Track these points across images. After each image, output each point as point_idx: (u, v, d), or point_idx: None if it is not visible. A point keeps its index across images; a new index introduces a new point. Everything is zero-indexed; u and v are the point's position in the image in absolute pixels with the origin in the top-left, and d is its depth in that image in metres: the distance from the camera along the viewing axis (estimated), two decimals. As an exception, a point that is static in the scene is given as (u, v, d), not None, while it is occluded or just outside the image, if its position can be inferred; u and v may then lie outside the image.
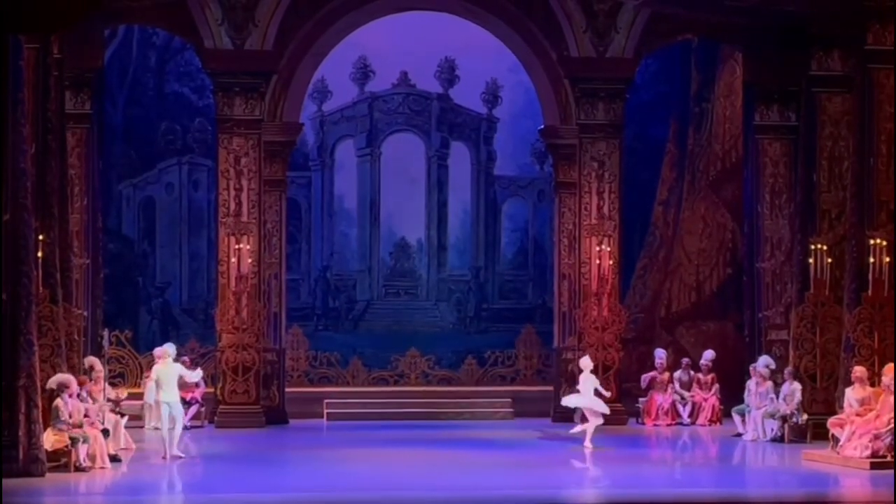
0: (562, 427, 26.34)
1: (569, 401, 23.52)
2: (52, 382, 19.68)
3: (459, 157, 33.96)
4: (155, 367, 21.96)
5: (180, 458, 21.35)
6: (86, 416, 20.11)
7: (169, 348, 22.22)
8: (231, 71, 26.12)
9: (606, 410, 23.03)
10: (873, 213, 22.41)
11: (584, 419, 23.22)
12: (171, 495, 18.49)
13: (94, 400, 21.13)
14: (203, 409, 25.97)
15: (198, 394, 25.79)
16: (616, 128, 26.96)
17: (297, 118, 27.59)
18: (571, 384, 26.88)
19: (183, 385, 25.48)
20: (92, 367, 21.27)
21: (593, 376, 23.19)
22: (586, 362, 23.28)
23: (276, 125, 26.93)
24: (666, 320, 30.40)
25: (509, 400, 28.12)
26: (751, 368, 25.09)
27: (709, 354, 27.20)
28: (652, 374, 26.90)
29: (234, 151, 26.25)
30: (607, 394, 23.70)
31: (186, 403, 25.19)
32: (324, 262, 33.39)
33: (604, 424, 25.94)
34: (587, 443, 22.52)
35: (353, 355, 29.94)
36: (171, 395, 21.45)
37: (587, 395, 22.89)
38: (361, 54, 32.70)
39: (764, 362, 24.78)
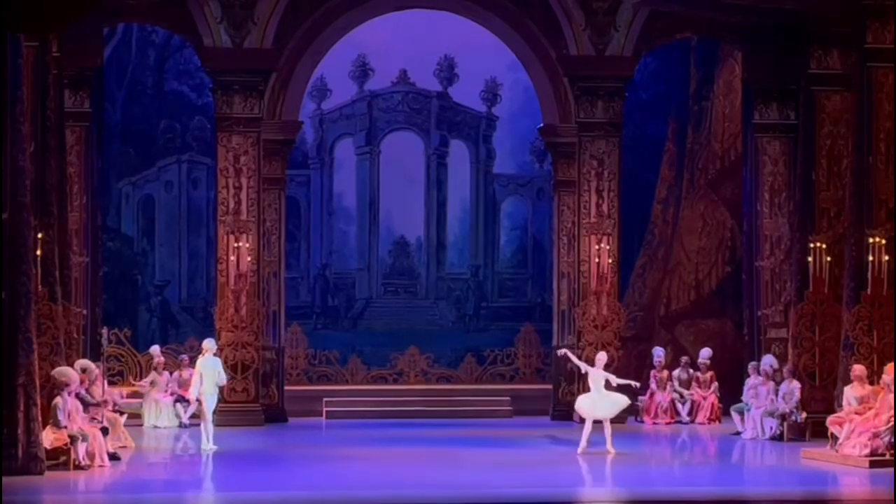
0: (561, 425, 26.40)
1: (593, 410, 21.43)
2: (57, 373, 19.69)
3: (459, 155, 33.98)
4: (199, 362, 22.40)
5: (214, 449, 21.81)
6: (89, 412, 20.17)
7: (209, 343, 22.66)
8: (230, 69, 26.09)
9: (626, 402, 21.72)
10: (872, 211, 22.40)
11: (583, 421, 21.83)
12: (170, 493, 18.48)
13: (94, 399, 21.12)
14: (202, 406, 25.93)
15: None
16: (615, 126, 26.96)
17: (296, 116, 27.60)
18: (570, 382, 26.95)
19: (182, 383, 25.62)
20: (85, 370, 21.27)
21: (605, 373, 21.51)
22: (603, 357, 21.87)
23: (276, 123, 26.93)
24: (665, 319, 30.41)
25: (508, 398, 28.11)
26: (750, 367, 25.10)
27: (706, 353, 27.20)
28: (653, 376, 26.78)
29: (234, 150, 26.24)
30: (616, 380, 21.64)
31: (185, 401, 25.24)
32: (323, 261, 33.41)
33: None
34: (610, 447, 21.37)
35: (352, 354, 29.96)
36: (213, 387, 22.18)
37: (604, 398, 21.35)
38: (361, 52, 32.73)
39: (768, 362, 24.75)
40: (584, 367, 22.03)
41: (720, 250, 30.28)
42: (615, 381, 21.47)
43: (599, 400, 21.39)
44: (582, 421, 22.15)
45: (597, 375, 21.43)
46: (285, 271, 27.74)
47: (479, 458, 21.46)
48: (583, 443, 21.48)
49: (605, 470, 20.45)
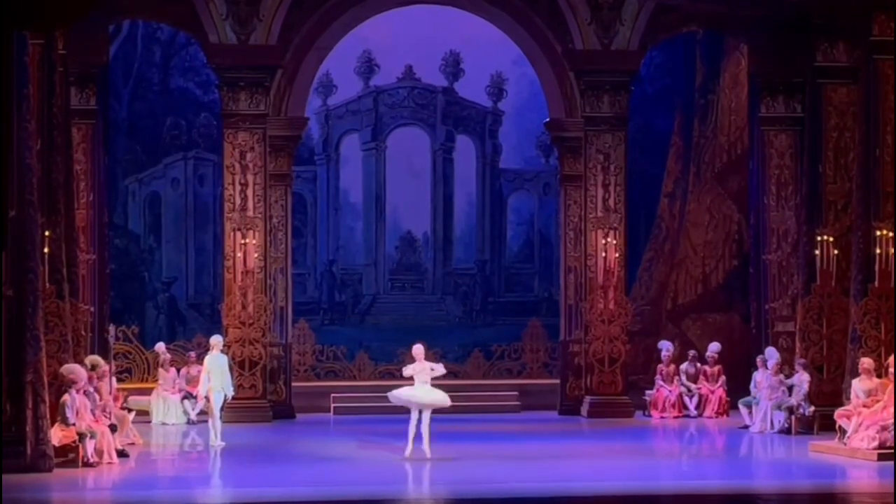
0: (569, 420, 26.41)
1: (410, 397, 20.10)
2: (65, 370, 19.72)
3: (465, 150, 33.96)
4: (207, 359, 22.52)
5: (222, 446, 21.87)
6: (92, 411, 20.16)
7: (216, 340, 22.82)
8: (236, 66, 26.11)
9: (447, 402, 20.04)
10: (879, 203, 22.37)
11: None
12: (178, 490, 18.49)
13: (101, 396, 21.13)
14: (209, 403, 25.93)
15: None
16: (621, 120, 26.97)
17: (302, 113, 27.60)
18: (578, 377, 26.98)
19: (190, 380, 25.66)
20: (94, 366, 21.31)
21: (427, 363, 20.16)
22: (419, 349, 20.26)
23: (281, 120, 26.93)
24: (672, 312, 30.39)
25: (516, 393, 28.13)
26: (758, 360, 25.09)
27: (714, 347, 27.19)
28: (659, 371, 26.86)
29: (240, 146, 26.26)
30: (442, 370, 20.38)
31: (194, 398, 25.27)
32: (330, 257, 33.41)
33: (611, 417, 26.03)
34: (426, 447, 20.02)
35: (359, 349, 29.98)
36: (221, 384, 22.25)
37: (426, 392, 20.02)
38: (366, 48, 32.73)
39: (772, 355, 24.76)
40: (406, 371, 20.17)
41: (727, 244, 30.25)
42: (440, 370, 20.21)
43: (419, 390, 20.00)
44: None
45: (419, 368, 20.01)
46: (292, 267, 27.73)
47: (486, 452, 21.44)
48: (409, 446, 20.12)
49: (612, 464, 20.44)
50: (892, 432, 20.00)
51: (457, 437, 23.35)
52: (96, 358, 21.97)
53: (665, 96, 31.62)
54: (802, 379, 23.38)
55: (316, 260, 33.35)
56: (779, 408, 23.67)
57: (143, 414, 25.14)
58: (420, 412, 20.08)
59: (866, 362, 21.19)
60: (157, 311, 31.97)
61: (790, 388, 23.72)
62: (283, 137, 27.05)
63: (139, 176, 32.47)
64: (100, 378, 21.33)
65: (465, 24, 29.28)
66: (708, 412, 26.56)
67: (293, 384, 27.15)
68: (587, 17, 26.65)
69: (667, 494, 18.02)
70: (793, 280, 26.16)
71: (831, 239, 23.43)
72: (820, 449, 21.05)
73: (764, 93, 26.99)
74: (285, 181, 27.25)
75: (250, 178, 26.22)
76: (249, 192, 26.20)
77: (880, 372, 21.19)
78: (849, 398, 21.31)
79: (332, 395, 27.78)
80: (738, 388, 25.85)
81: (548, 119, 28.21)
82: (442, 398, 20.11)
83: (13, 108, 18.80)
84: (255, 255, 25.98)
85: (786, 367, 24.46)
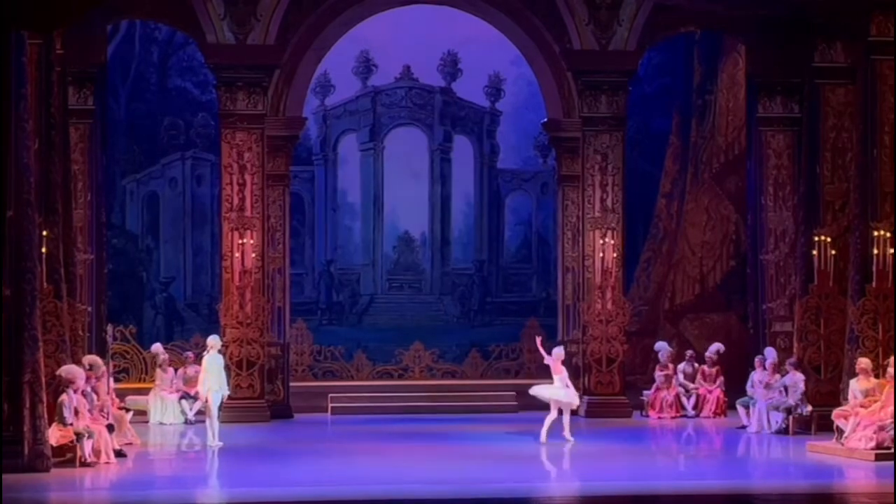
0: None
1: (550, 392, 22.57)
2: (63, 371, 19.73)
3: (462, 150, 33.96)
4: (205, 359, 22.53)
5: (220, 446, 21.92)
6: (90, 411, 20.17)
7: (213, 340, 22.80)
8: (234, 65, 26.10)
9: (576, 401, 22.83)
10: (877, 204, 22.38)
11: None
12: (176, 490, 18.49)
13: (99, 396, 21.14)
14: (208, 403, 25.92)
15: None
16: (619, 120, 26.98)
17: (299, 112, 27.61)
18: (575, 377, 26.94)
19: (188, 380, 25.66)
20: (92, 366, 21.31)
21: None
22: (560, 353, 22.77)
23: (279, 120, 26.94)
24: (670, 313, 30.41)
25: (513, 393, 28.10)
26: (756, 360, 25.10)
27: (714, 347, 27.18)
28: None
29: (238, 146, 26.25)
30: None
31: (192, 398, 25.28)
32: (327, 257, 33.41)
33: (609, 418, 26.07)
34: (567, 434, 22.22)
35: (357, 349, 29.96)
36: (218, 384, 22.31)
37: (561, 387, 22.45)
38: (364, 48, 32.71)
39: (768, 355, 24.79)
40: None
41: (725, 244, 30.28)
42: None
43: (561, 389, 22.54)
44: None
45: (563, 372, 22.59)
46: (290, 267, 27.73)
47: (484, 453, 21.46)
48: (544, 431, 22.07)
49: (610, 464, 20.45)
50: (890, 432, 20.02)
51: (455, 437, 23.37)
52: (94, 358, 21.96)
53: (663, 96, 31.64)
54: (796, 379, 23.39)
55: (314, 260, 33.35)
56: (776, 408, 23.67)
57: (141, 414, 25.13)
58: (560, 410, 22.32)
59: (863, 362, 21.21)
60: (155, 310, 31.97)
61: (786, 389, 23.73)
62: (281, 137, 27.06)
63: (137, 176, 32.47)
64: (98, 378, 21.33)
65: (462, 24, 29.29)
66: (705, 412, 26.57)
67: (291, 384, 27.15)
68: (585, 16, 26.66)
69: (665, 494, 18.02)
70: (790, 280, 26.19)
71: (829, 239, 23.45)
72: (817, 449, 21.06)
73: (762, 93, 27.02)
74: (283, 181, 27.26)
75: (248, 177, 26.22)
76: (247, 192, 26.20)
77: (878, 372, 21.20)
78: (846, 398, 21.33)
79: (330, 394, 27.77)
80: (736, 388, 25.85)
81: (546, 119, 28.23)
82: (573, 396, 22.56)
83: (11, 107, 18.79)
84: (253, 254, 25.98)
85: (783, 368, 24.47)
